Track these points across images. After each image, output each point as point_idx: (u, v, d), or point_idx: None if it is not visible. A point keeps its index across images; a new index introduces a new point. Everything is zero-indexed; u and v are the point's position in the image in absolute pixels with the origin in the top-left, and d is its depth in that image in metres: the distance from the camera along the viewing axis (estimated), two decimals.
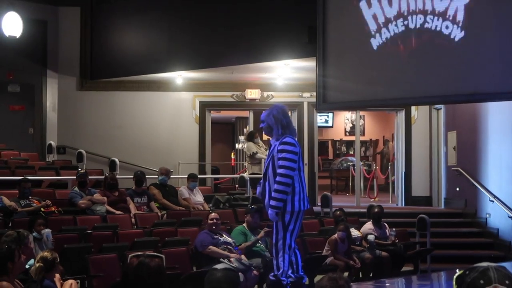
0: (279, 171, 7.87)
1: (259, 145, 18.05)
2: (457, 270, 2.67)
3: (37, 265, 8.05)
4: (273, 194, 7.91)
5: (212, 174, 19.77)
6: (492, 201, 15.12)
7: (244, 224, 11.50)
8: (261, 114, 8.29)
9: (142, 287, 3.60)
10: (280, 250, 7.96)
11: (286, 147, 7.89)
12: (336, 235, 11.87)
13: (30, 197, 12.11)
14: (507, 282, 2.58)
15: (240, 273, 10.29)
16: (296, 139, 8.15)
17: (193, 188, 14.18)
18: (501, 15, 10.91)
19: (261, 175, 17.10)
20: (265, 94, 19.22)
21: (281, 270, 7.99)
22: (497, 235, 15.13)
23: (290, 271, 8.04)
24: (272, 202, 7.94)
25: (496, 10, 11.04)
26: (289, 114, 8.37)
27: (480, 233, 15.67)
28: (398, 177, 19.09)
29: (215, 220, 10.97)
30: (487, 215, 15.58)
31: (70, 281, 8.45)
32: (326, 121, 25.87)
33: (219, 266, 10.26)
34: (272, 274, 8.06)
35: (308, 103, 19.10)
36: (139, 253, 4.00)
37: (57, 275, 8.18)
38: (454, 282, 2.66)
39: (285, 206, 7.92)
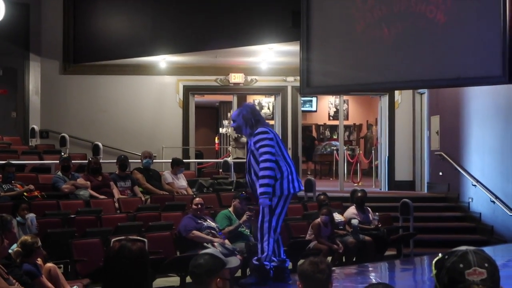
0: (260, 158, 7.93)
1: None
2: (440, 254, 2.68)
3: (15, 249, 8.06)
4: (260, 181, 7.97)
5: (195, 159, 19.76)
6: (475, 185, 15.20)
7: (230, 209, 11.51)
8: (232, 113, 8.40)
9: (124, 271, 3.59)
10: (265, 233, 7.99)
11: (259, 136, 8.01)
12: (319, 219, 11.90)
13: (13, 181, 12.06)
14: (486, 265, 2.59)
15: (236, 257, 10.29)
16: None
17: (180, 173, 14.18)
18: None
19: (244, 159, 17.14)
20: (249, 78, 19.20)
21: (265, 254, 8.02)
22: (480, 219, 15.22)
23: (273, 256, 8.09)
24: (261, 189, 7.99)
25: None
26: (259, 111, 8.47)
27: (463, 217, 15.76)
28: (381, 161, 19.15)
29: (199, 205, 10.96)
30: (470, 200, 15.66)
31: (49, 265, 8.45)
32: (310, 105, 25.89)
33: (205, 251, 10.27)
34: (256, 258, 8.09)
35: (292, 87, 19.10)
36: (122, 237, 4.00)
37: (39, 260, 8.17)
38: (433, 267, 2.67)
39: (273, 190, 7.96)
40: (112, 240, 6.41)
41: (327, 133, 26.94)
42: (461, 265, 2.59)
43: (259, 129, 8.05)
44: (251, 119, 8.13)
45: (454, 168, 16.09)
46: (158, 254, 9.97)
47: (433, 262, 2.68)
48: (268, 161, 7.92)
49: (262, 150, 7.95)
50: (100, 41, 18.20)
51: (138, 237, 9.17)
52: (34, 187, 12.13)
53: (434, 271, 2.66)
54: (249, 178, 8.25)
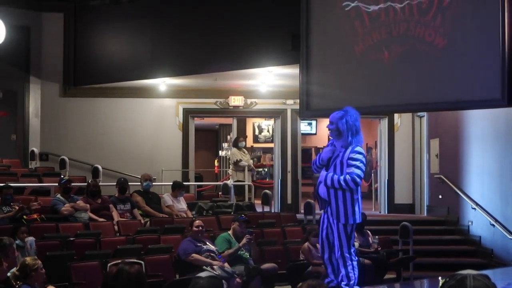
0: (350, 170, 7.72)
1: (244, 152, 18.07)
2: (440, 278, 2.68)
3: (15, 271, 8.04)
4: (342, 179, 7.73)
5: (195, 181, 19.75)
6: (475, 208, 15.17)
7: (230, 232, 11.48)
8: (332, 114, 7.97)
9: None
10: (347, 259, 7.88)
11: (359, 156, 7.73)
12: (307, 243, 11.88)
13: (12, 203, 12.05)
14: None
15: (223, 281, 10.32)
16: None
17: (181, 196, 14.18)
18: (482, 23, 10.97)
19: (245, 182, 17.10)
20: (249, 101, 19.23)
21: (352, 281, 7.92)
22: (480, 242, 15.18)
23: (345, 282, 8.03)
24: (328, 182, 7.77)
25: (477, 18, 11.10)
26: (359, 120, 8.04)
27: (462, 240, 15.72)
28: (381, 184, 19.13)
29: (200, 228, 10.95)
30: (470, 223, 15.63)
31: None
32: (310, 127, 25.91)
33: (202, 274, 10.27)
34: (345, 283, 7.97)
35: (292, 110, 19.12)
36: (118, 261, 3.99)
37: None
38: None
39: (347, 218, 7.82)
40: (109, 264, 6.41)
41: None
42: None
43: (359, 150, 7.84)
44: (352, 128, 7.88)
45: (454, 191, 16.08)
46: (157, 277, 9.94)
47: (439, 285, 2.67)
48: (357, 175, 7.69)
49: (354, 169, 7.73)
50: (100, 64, 18.25)
51: (134, 260, 9.16)
52: (35, 201, 12.11)
53: None
54: (325, 190, 7.98)
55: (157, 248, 11.19)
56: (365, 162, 7.90)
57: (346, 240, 7.83)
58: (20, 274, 8.01)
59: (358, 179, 7.69)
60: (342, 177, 7.67)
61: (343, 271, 7.89)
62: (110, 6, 18.50)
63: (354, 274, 7.88)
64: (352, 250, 7.91)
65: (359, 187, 7.88)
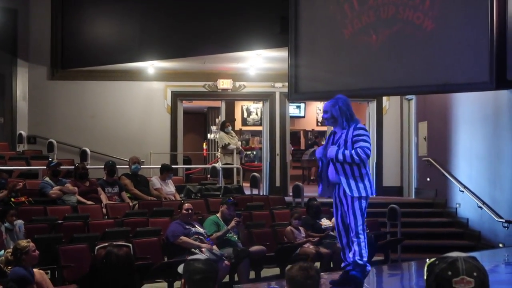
0: (358, 144, 7.82)
1: (231, 135, 18.06)
2: (427, 260, 2.68)
3: (6, 254, 8.04)
4: (354, 152, 7.81)
5: (183, 164, 19.74)
6: (462, 191, 15.23)
7: (218, 214, 11.51)
8: (324, 104, 8.21)
9: (112, 276, 3.60)
10: (360, 234, 8.00)
11: (362, 131, 7.93)
12: (289, 227, 11.97)
13: (3, 189, 12.00)
14: (475, 274, 2.57)
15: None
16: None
17: (169, 179, 14.17)
18: (470, 6, 10.98)
19: (234, 165, 17.09)
20: (237, 84, 19.20)
21: (365, 257, 8.04)
22: (467, 225, 15.25)
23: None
24: (340, 157, 7.85)
25: (465, 1, 11.11)
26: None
27: (450, 223, 15.79)
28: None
29: (190, 211, 10.96)
30: (457, 205, 15.69)
31: (37, 271, 8.42)
32: (298, 110, 25.92)
33: (196, 257, 10.27)
34: (358, 258, 8.07)
35: (280, 93, 19.10)
36: (106, 244, 4.00)
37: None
38: (425, 270, 2.67)
39: (359, 191, 7.93)
40: (97, 247, 6.41)
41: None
42: (449, 273, 2.58)
43: (362, 125, 8.02)
44: (346, 112, 8.04)
45: (442, 174, 16.13)
46: (146, 260, 9.95)
47: (426, 265, 2.67)
48: (367, 148, 7.83)
49: (362, 142, 7.85)
50: (88, 47, 18.15)
51: (123, 243, 9.16)
52: (22, 184, 12.08)
53: (425, 274, 2.65)
54: (334, 171, 8.04)
55: (146, 230, 11.20)
56: (369, 135, 8.11)
57: (361, 216, 7.97)
58: (12, 258, 8.01)
59: (368, 151, 7.88)
60: (353, 151, 7.83)
61: (357, 249, 8.01)
62: None
63: (366, 251, 8.03)
64: (364, 227, 8.05)
65: (367, 163, 8.02)
